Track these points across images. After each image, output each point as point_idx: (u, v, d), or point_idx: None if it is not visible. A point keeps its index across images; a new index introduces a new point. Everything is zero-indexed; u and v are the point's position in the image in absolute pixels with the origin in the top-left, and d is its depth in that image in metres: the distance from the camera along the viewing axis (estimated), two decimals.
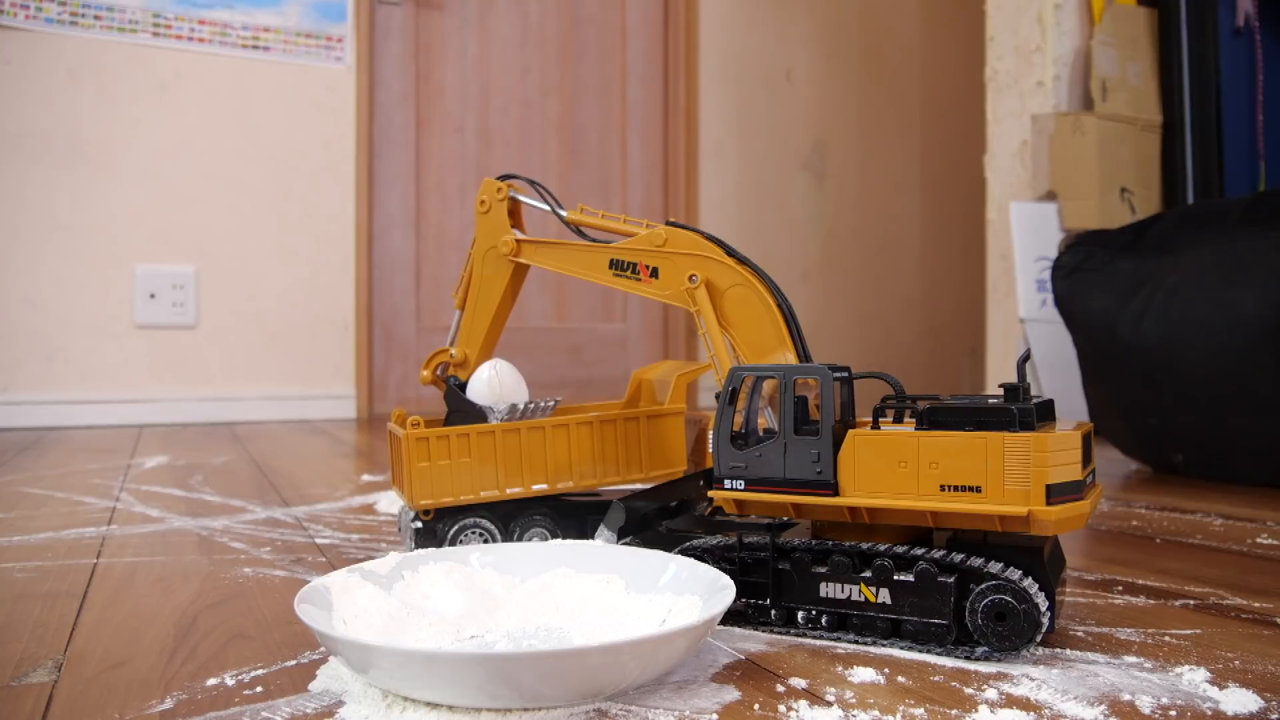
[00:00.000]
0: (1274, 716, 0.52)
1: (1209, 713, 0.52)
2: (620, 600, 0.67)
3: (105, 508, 1.18)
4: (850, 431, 0.64)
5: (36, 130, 2.25)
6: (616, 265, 0.83)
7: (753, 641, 0.65)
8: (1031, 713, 0.52)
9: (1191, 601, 0.76)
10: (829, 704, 0.53)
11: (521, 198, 0.91)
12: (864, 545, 0.64)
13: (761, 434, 0.69)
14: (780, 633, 0.66)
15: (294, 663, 0.61)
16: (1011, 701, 0.53)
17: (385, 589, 0.65)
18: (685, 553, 0.70)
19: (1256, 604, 0.75)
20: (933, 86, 3.43)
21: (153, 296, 2.36)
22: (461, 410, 0.88)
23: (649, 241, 0.81)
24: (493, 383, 0.88)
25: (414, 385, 2.70)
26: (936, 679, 0.57)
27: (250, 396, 2.45)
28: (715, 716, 0.51)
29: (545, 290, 2.86)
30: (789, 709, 0.52)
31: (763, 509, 0.68)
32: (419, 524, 0.84)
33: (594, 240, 0.86)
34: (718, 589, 0.61)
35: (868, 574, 0.63)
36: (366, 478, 1.45)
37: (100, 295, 2.32)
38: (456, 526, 0.85)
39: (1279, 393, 1.30)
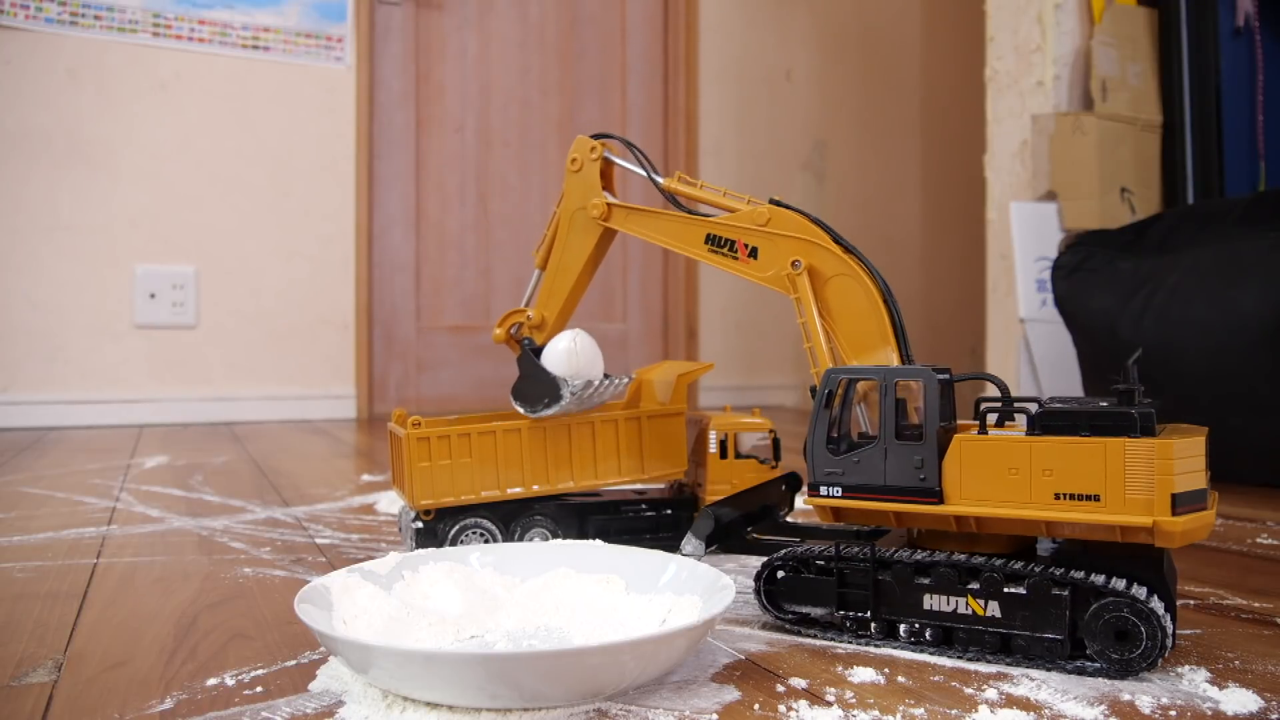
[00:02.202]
0: (1274, 716, 0.52)
1: (1209, 713, 0.52)
2: (620, 600, 0.66)
3: (105, 508, 1.18)
4: (956, 436, 0.61)
5: (36, 130, 2.25)
6: (713, 241, 0.79)
7: (753, 641, 0.65)
8: (1031, 713, 0.52)
9: (1191, 601, 0.76)
10: (829, 704, 0.53)
11: (616, 159, 0.87)
12: (975, 558, 0.60)
13: (856, 438, 0.65)
14: (779, 633, 0.66)
15: (294, 663, 0.61)
16: (1011, 701, 0.53)
17: (385, 589, 0.65)
18: (780, 562, 0.67)
19: (1256, 604, 0.75)
20: (933, 86, 3.43)
21: (153, 296, 2.36)
22: (534, 377, 0.85)
23: (750, 220, 0.77)
24: (571, 354, 0.85)
25: (414, 385, 2.70)
26: (936, 679, 0.57)
27: (250, 396, 2.45)
28: (715, 716, 0.51)
29: None
30: (789, 709, 0.52)
31: (861, 517, 0.64)
32: (419, 524, 0.84)
33: (690, 211, 0.81)
34: (718, 589, 0.61)
35: (975, 586, 0.60)
36: (366, 478, 1.45)
37: (100, 295, 2.32)
38: (457, 526, 0.85)
39: (1279, 393, 1.30)
